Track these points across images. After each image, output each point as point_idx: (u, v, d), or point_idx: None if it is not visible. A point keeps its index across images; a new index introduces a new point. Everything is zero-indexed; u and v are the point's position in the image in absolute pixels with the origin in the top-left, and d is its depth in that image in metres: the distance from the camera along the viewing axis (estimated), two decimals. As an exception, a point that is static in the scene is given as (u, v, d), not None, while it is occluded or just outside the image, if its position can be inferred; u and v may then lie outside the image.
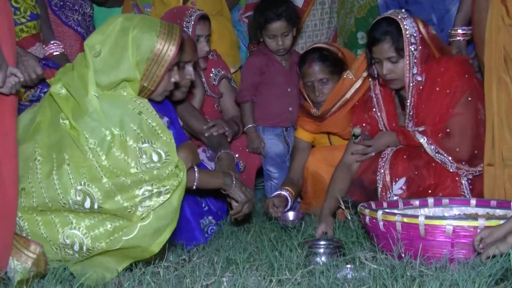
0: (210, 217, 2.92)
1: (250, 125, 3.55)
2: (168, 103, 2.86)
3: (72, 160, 2.25)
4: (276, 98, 3.60)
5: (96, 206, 2.20)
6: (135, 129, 2.28)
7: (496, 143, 2.75)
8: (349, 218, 2.74)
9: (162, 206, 2.25)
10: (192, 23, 3.30)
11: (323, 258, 2.34)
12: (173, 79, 2.52)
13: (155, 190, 2.22)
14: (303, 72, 3.36)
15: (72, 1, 3.34)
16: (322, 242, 2.48)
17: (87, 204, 2.21)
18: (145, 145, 2.27)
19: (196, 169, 2.60)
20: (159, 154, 2.28)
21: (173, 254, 2.48)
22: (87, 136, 2.25)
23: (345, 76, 3.23)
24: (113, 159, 2.25)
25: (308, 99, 3.39)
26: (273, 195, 3.22)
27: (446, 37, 3.29)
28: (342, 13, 4.01)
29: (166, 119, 2.81)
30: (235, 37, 4.03)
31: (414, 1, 3.55)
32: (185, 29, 3.25)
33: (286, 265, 2.25)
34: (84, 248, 2.23)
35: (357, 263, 2.23)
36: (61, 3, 3.26)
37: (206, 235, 2.84)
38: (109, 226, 2.24)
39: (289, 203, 3.18)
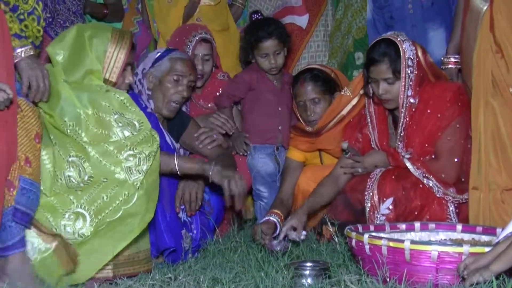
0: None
1: None
2: (151, 116, 2.95)
3: (58, 139, 2.49)
4: (266, 116, 3.60)
5: (86, 177, 2.42)
6: (105, 104, 2.52)
7: (482, 167, 2.76)
8: (336, 241, 2.75)
9: (149, 174, 2.45)
10: (193, 44, 3.53)
11: (309, 280, 2.34)
12: (127, 80, 2.70)
13: (137, 156, 2.42)
14: (295, 92, 3.39)
15: (64, 18, 3.19)
16: (308, 264, 2.48)
17: (79, 176, 2.41)
18: (117, 116, 2.51)
19: (175, 154, 2.80)
20: (132, 124, 2.50)
21: (159, 272, 2.48)
22: (65, 119, 2.48)
23: (342, 93, 3.26)
24: (92, 135, 2.49)
25: (300, 119, 3.40)
26: (261, 221, 3.14)
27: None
28: (338, 34, 4.04)
29: None
30: None
31: (399, 18, 3.60)
32: (187, 47, 3.52)
33: (272, 286, 2.26)
34: (88, 221, 2.37)
35: (342, 286, 2.24)
36: (51, 19, 3.09)
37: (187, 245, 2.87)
38: (105, 197, 2.41)
39: (278, 229, 3.08)
